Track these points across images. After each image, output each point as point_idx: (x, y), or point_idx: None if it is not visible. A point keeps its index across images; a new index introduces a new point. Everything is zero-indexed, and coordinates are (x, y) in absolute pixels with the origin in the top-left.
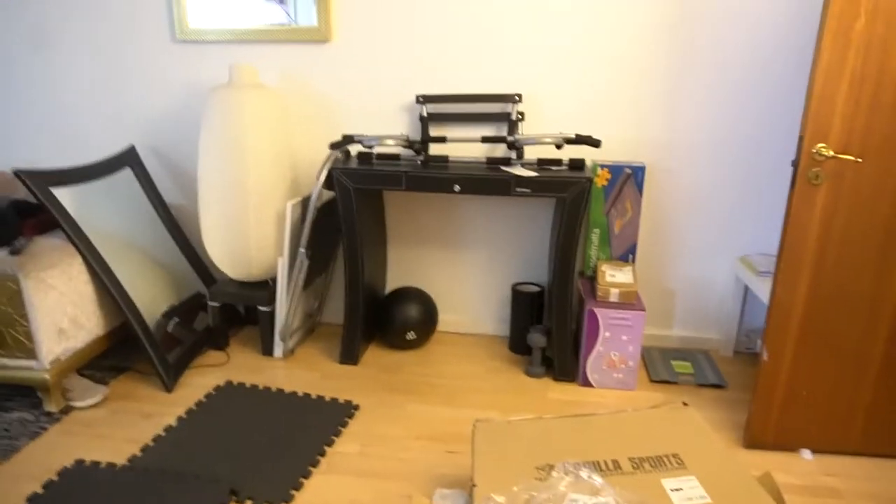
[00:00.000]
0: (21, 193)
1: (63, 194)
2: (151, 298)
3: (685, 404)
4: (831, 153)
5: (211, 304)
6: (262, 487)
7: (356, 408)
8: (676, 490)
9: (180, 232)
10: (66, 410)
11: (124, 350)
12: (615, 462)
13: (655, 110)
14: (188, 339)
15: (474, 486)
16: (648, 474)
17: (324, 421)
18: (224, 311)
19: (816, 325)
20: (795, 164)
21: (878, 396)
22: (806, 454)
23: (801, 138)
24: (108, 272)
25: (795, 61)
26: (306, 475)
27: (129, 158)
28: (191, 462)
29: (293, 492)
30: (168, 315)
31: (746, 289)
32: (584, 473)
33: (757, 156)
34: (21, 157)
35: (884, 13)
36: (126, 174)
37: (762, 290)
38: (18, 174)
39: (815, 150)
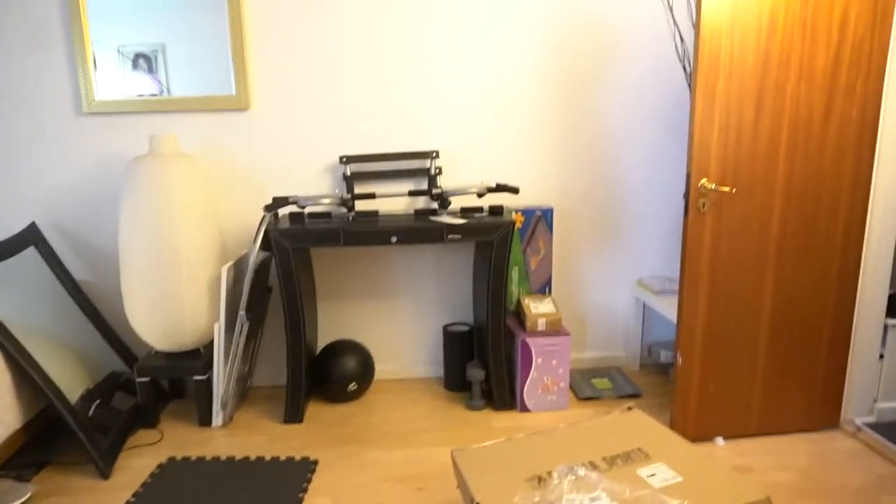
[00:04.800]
0: None
1: None
2: (66, 383)
3: (630, 409)
4: (713, 186)
5: (139, 380)
6: None
7: (315, 463)
8: (651, 476)
9: (93, 310)
10: None
11: (40, 443)
12: (591, 463)
13: (557, 161)
14: (114, 421)
15: (478, 503)
16: (623, 468)
17: (287, 481)
18: (151, 386)
19: (715, 329)
20: (686, 196)
21: (766, 385)
22: (719, 441)
23: (688, 175)
24: (29, 358)
25: (666, 118)
26: None
27: (31, 237)
28: None
29: None
30: (86, 399)
31: (645, 308)
32: (581, 472)
33: (641, 195)
34: None
35: (737, 76)
36: (29, 253)
37: (661, 306)
38: None
39: (700, 185)
